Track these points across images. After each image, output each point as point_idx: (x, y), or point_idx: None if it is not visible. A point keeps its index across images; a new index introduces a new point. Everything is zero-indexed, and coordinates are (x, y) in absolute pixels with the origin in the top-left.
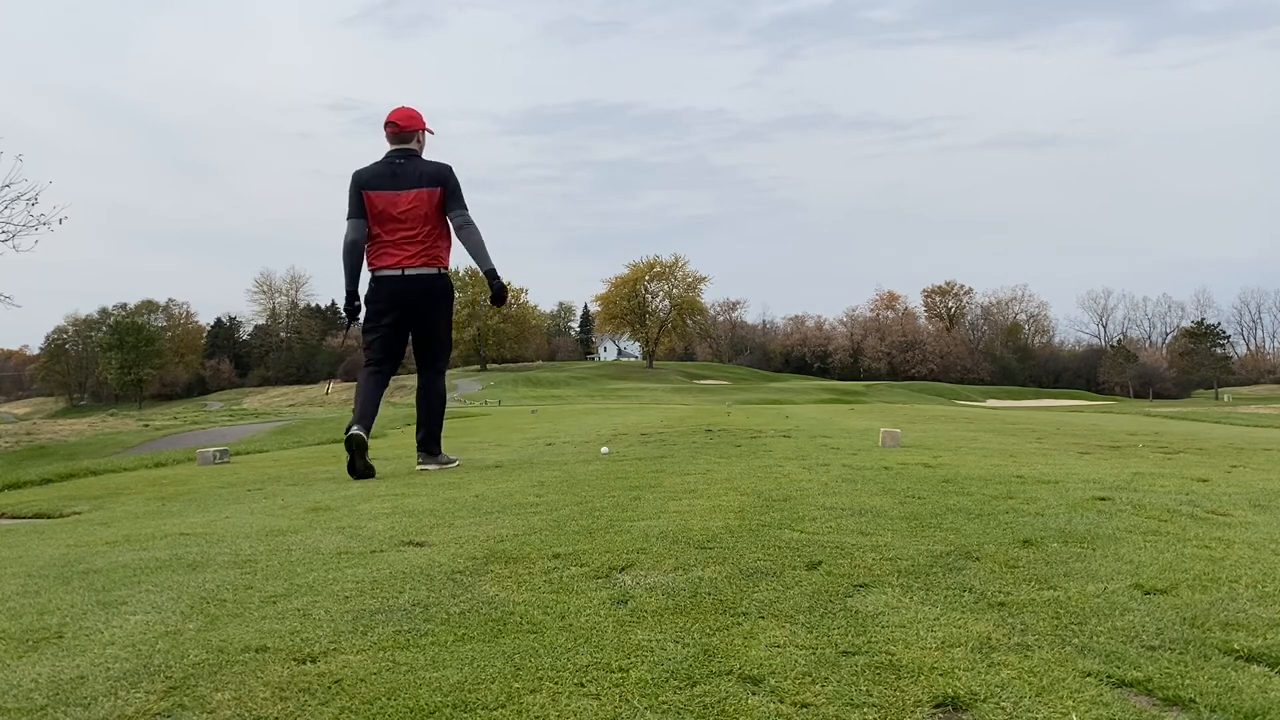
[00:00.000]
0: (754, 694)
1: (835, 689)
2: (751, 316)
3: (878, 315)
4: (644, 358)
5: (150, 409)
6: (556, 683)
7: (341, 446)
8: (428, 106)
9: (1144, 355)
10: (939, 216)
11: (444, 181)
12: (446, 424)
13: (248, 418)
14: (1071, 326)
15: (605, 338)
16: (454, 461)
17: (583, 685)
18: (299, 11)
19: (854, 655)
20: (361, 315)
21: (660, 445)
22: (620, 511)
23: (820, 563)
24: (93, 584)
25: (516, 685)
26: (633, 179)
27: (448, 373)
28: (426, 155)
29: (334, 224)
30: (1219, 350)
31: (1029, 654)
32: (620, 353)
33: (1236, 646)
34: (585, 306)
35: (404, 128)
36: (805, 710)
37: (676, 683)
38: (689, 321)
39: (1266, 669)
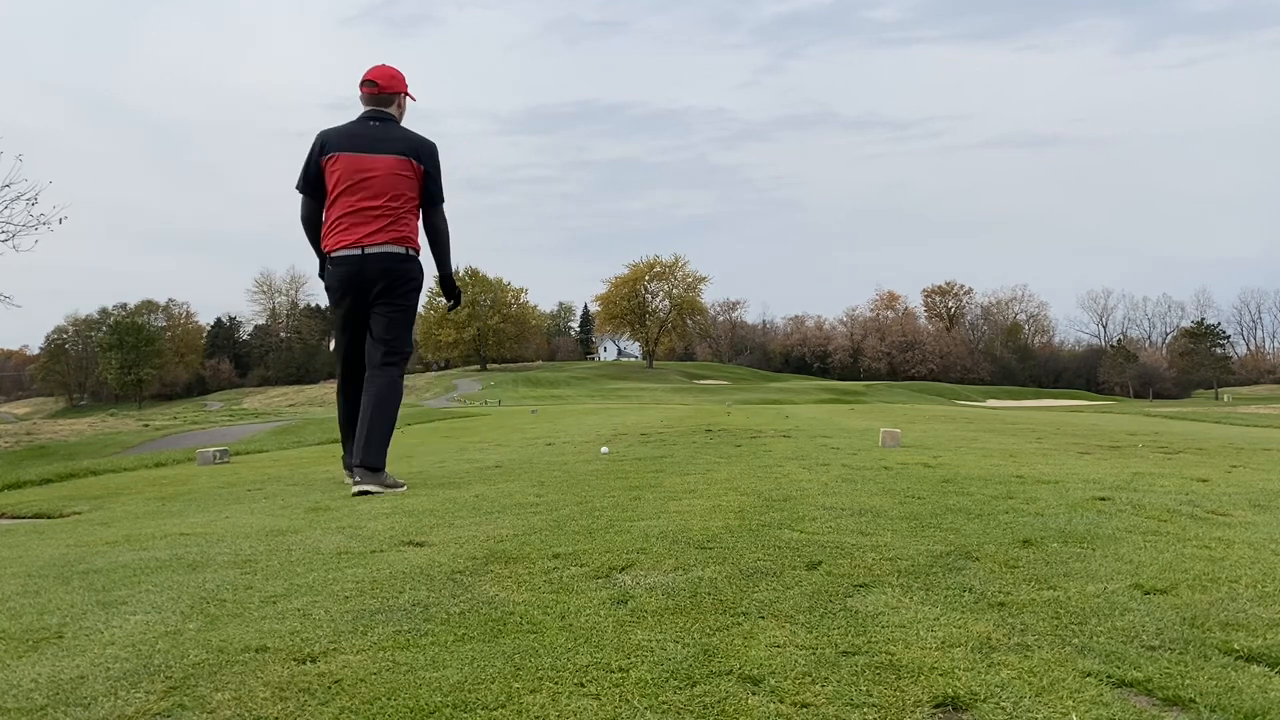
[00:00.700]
0: (754, 694)
1: (835, 689)
2: (751, 316)
3: (878, 315)
4: (644, 358)
5: (150, 409)
6: (556, 683)
7: (341, 446)
8: (427, 106)
9: (1144, 355)
10: (939, 216)
11: (427, 159)
12: (447, 424)
13: (248, 418)
14: (1071, 326)
15: (605, 338)
16: (401, 486)
17: (583, 685)
18: (299, 11)
19: (854, 655)
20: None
21: (660, 445)
22: (620, 511)
23: (820, 563)
24: (93, 584)
25: (516, 685)
26: (633, 179)
27: (406, 376)
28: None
29: None
30: (1219, 350)
31: (1029, 654)
32: (620, 353)
33: (1236, 646)
34: (585, 306)
35: (384, 88)
36: (805, 710)
37: (676, 683)
38: (689, 321)
39: (1266, 669)
